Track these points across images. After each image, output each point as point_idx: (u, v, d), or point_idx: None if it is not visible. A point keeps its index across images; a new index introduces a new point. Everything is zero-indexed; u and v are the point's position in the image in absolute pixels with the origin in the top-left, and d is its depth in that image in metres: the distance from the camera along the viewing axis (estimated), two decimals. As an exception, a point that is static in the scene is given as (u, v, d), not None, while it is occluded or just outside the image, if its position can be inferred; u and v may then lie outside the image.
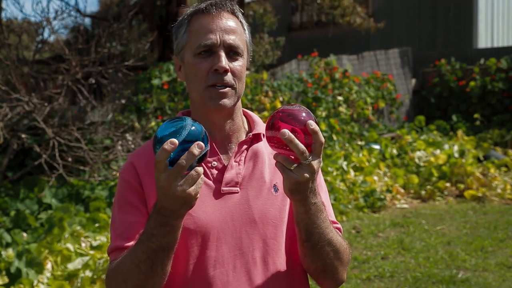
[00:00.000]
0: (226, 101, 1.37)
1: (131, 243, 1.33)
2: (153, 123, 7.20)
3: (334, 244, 1.38)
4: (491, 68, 11.69)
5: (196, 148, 1.16)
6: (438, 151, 8.54)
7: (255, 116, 1.53)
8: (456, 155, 8.48)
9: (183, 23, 1.42)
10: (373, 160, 8.27)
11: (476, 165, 8.03)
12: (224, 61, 1.36)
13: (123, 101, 7.57)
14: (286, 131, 1.21)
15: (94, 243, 4.47)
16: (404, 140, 9.38)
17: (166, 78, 8.07)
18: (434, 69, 12.51)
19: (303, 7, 15.60)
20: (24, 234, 4.76)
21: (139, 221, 1.36)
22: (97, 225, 4.87)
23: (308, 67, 10.64)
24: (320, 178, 1.52)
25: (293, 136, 1.21)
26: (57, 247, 4.18)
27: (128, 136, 6.60)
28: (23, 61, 6.89)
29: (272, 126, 1.25)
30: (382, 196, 6.97)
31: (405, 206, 7.11)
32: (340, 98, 10.19)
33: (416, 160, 8.29)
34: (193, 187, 1.18)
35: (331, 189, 6.73)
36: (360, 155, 8.45)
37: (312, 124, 1.23)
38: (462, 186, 7.49)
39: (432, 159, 8.10)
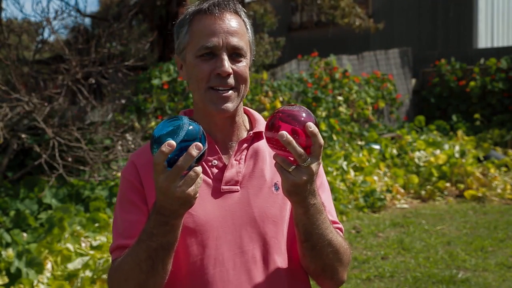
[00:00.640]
0: (229, 105, 1.37)
1: (132, 241, 1.33)
2: (153, 123, 7.20)
3: (334, 245, 1.36)
4: (491, 68, 11.69)
5: (194, 149, 1.16)
6: (438, 151, 8.54)
7: (256, 114, 1.52)
8: (456, 155, 8.48)
9: (185, 22, 1.40)
10: (373, 160, 8.27)
11: (476, 165, 8.03)
12: (227, 65, 1.34)
13: (123, 101, 7.57)
14: (285, 133, 1.20)
15: (94, 243, 4.47)
16: (404, 140, 9.38)
17: (166, 78, 8.07)
18: (434, 69, 12.51)
19: (303, 7, 15.60)
20: (24, 234, 4.76)
21: (140, 219, 1.36)
22: (97, 225, 4.87)
23: (308, 67, 10.64)
24: (322, 178, 1.51)
25: (291, 138, 1.20)
26: (57, 247, 4.18)
27: (128, 136, 6.60)
28: (23, 61, 6.89)
29: (271, 126, 1.24)
30: (382, 196, 6.97)
31: (405, 206, 7.11)
32: (340, 98, 10.19)
33: (416, 160, 8.29)
34: (192, 187, 1.18)
35: (331, 189, 6.73)
36: (360, 155, 8.45)
37: (311, 126, 1.21)
38: (462, 186, 7.49)
39: (432, 159, 8.10)
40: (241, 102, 1.44)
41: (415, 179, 7.63)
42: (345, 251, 1.41)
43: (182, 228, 1.30)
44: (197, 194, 1.21)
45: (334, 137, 9.01)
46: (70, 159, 6.20)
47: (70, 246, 4.28)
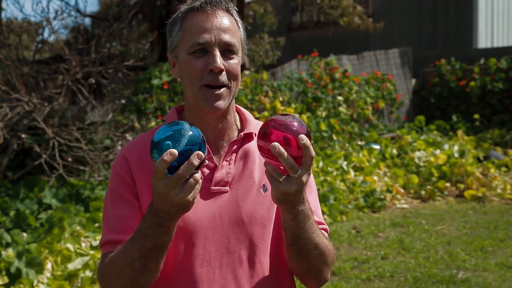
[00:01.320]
0: (221, 103, 1.37)
1: (123, 236, 1.34)
2: (153, 123, 7.20)
3: (320, 248, 1.39)
4: (491, 68, 11.69)
5: (196, 159, 1.17)
6: (438, 151, 8.54)
7: (247, 113, 1.53)
8: (456, 155, 8.48)
9: (177, 20, 1.42)
10: (373, 160, 8.27)
11: (476, 165, 8.03)
12: (219, 61, 1.35)
13: (123, 101, 7.57)
14: (277, 145, 1.20)
15: (94, 243, 4.47)
16: (404, 140, 9.38)
17: (166, 78, 8.07)
18: (434, 69, 12.51)
19: (303, 7, 15.61)
20: (24, 234, 4.76)
21: (131, 214, 1.37)
22: (97, 225, 4.87)
23: (308, 67, 10.64)
24: (310, 179, 1.52)
25: (283, 150, 1.20)
26: (57, 247, 4.18)
27: (128, 136, 6.60)
28: (23, 61, 6.89)
29: (264, 135, 1.24)
30: (382, 196, 6.97)
31: (405, 206, 7.11)
32: (340, 98, 10.19)
33: (416, 160, 8.29)
34: (191, 194, 1.20)
35: (331, 189, 6.73)
36: (360, 155, 8.45)
37: (303, 138, 1.21)
38: (462, 186, 7.49)
39: (432, 159, 8.10)
40: (233, 100, 1.44)
41: (415, 179, 7.63)
42: (329, 253, 1.43)
43: None
44: (195, 200, 1.22)
45: (334, 137, 9.01)
46: (70, 159, 6.20)
47: (70, 246, 4.28)
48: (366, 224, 6.21)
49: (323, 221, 1.52)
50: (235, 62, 1.39)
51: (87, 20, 13.24)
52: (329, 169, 7.42)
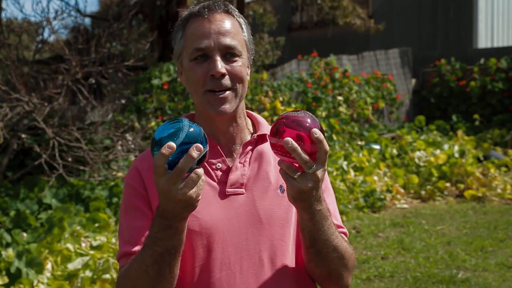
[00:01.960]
0: (227, 107, 1.36)
1: (139, 248, 1.32)
2: (153, 123, 7.20)
3: (339, 250, 1.35)
4: (491, 68, 11.69)
5: (195, 151, 1.14)
6: (438, 151, 8.54)
7: (259, 117, 1.52)
8: (456, 155, 8.48)
9: (179, 27, 1.41)
10: (373, 160, 8.27)
11: (476, 165, 8.03)
12: (219, 66, 1.34)
13: (123, 101, 7.57)
14: (290, 140, 1.18)
15: (94, 243, 4.47)
16: (404, 140, 9.38)
17: (166, 78, 8.07)
18: (434, 69, 12.51)
19: (303, 7, 15.61)
20: (24, 234, 4.76)
21: (145, 225, 1.35)
22: (97, 225, 4.87)
23: (308, 67, 10.64)
24: (327, 182, 1.50)
25: (296, 145, 1.18)
26: (57, 247, 4.18)
27: (128, 136, 6.60)
28: (23, 61, 6.89)
29: (276, 132, 1.22)
30: (382, 196, 6.97)
31: (405, 206, 7.11)
32: (340, 98, 10.20)
33: (416, 160, 8.29)
34: (193, 190, 1.17)
35: (331, 189, 6.73)
36: (360, 155, 8.45)
37: (317, 132, 1.19)
38: (462, 186, 7.49)
39: (432, 159, 8.10)
40: (241, 103, 1.43)
41: (415, 179, 7.63)
42: (350, 256, 1.40)
43: (187, 231, 1.29)
44: (200, 197, 1.19)
45: (334, 137, 9.01)
46: (70, 159, 6.20)
47: (70, 246, 4.28)
48: (366, 224, 6.21)
49: (342, 225, 1.49)
50: (239, 65, 1.37)
51: (87, 20, 13.25)
52: (329, 169, 7.42)
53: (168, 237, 1.22)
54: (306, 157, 1.19)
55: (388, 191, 7.28)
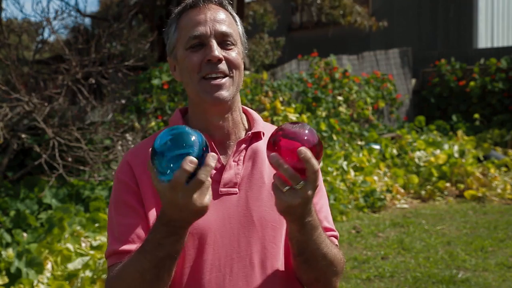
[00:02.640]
0: (224, 93, 1.33)
1: (130, 246, 1.29)
2: (153, 123, 7.20)
3: (329, 258, 1.33)
4: (491, 68, 11.69)
5: (212, 160, 1.10)
6: (438, 151, 8.54)
7: (254, 113, 1.48)
8: (456, 155, 8.48)
9: (172, 22, 1.40)
10: (373, 160, 8.27)
11: (476, 165, 8.03)
12: (216, 50, 1.32)
13: (123, 101, 7.56)
14: (275, 156, 1.16)
15: (94, 243, 4.47)
16: (404, 140, 9.38)
17: (166, 78, 8.08)
18: (434, 69, 12.51)
19: (303, 7, 15.61)
20: (24, 234, 4.76)
21: (136, 222, 1.32)
22: (97, 225, 4.87)
23: (308, 67, 10.64)
24: (320, 183, 1.46)
25: (281, 161, 1.15)
26: (57, 247, 4.18)
27: (128, 136, 6.60)
28: (23, 61, 6.89)
29: (273, 144, 1.18)
30: (382, 196, 6.97)
31: (405, 206, 7.11)
32: (340, 98, 10.19)
33: (416, 160, 8.29)
34: (207, 196, 1.14)
35: (331, 189, 6.73)
36: (360, 155, 8.45)
37: (302, 152, 1.14)
38: (462, 186, 7.49)
39: (432, 159, 8.10)
40: (237, 96, 1.40)
41: (415, 179, 7.63)
42: (339, 262, 1.38)
43: None
44: (207, 202, 1.15)
45: (334, 137, 9.01)
46: (70, 159, 6.19)
47: (70, 246, 4.28)
48: (366, 224, 6.21)
49: (334, 227, 1.47)
50: (235, 52, 1.36)
51: (87, 20, 13.25)
52: (329, 169, 7.42)
53: (173, 243, 1.19)
54: (292, 172, 1.15)
55: (388, 191, 7.28)
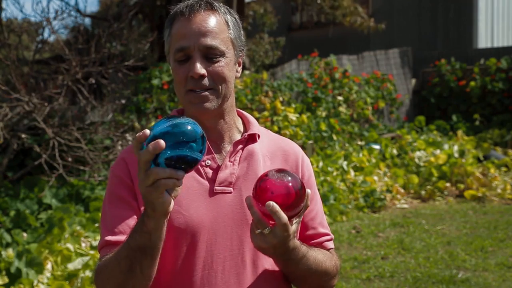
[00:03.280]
0: (208, 105, 1.35)
1: (121, 237, 1.30)
2: (153, 123, 7.16)
3: (320, 272, 1.39)
4: (491, 68, 11.69)
5: (155, 145, 1.07)
6: (438, 151, 8.54)
7: (250, 117, 1.51)
8: (456, 155, 8.48)
9: (167, 26, 1.41)
10: (373, 160, 8.27)
11: (476, 165, 8.03)
12: (198, 67, 1.33)
13: (123, 101, 7.56)
14: (248, 198, 1.23)
15: (94, 243, 4.47)
16: (404, 140, 9.38)
17: (166, 78, 8.08)
18: (434, 69, 12.51)
19: (303, 7, 15.61)
20: (24, 234, 4.76)
21: (129, 215, 1.33)
22: (97, 225, 4.87)
23: (308, 67, 10.64)
24: (314, 187, 1.50)
25: (253, 204, 1.22)
26: (57, 247, 4.18)
27: (128, 136, 6.60)
28: (23, 61, 6.89)
29: (254, 187, 1.25)
30: (382, 196, 6.97)
31: (405, 206, 7.11)
32: (340, 98, 10.19)
33: (416, 160, 8.29)
34: (164, 195, 1.12)
35: (331, 189, 6.73)
36: (360, 155, 8.45)
37: (270, 205, 1.19)
38: (462, 186, 7.49)
39: (432, 159, 8.10)
40: (231, 100, 1.42)
41: (415, 179, 7.63)
42: (332, 269, 1.43)
43: (172, 228, 1.29)
44: (170, 204, 1.14)
45: (334, 137, 9.01)
46: (70, 159, 6.19)
47: (70, 246, 4.28)
48: (366, 224, 6.21)
49: (329, 230, 1.50)
50: (221, 65, 1.35)
51: (87, 20, 13.24)
52: (329, 169, 7.42)
53: (140, 233, 1.19)
54: (259, 217, 1.22)
55: (388, 191, 7.28)
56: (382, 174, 7.84)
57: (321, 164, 7.53)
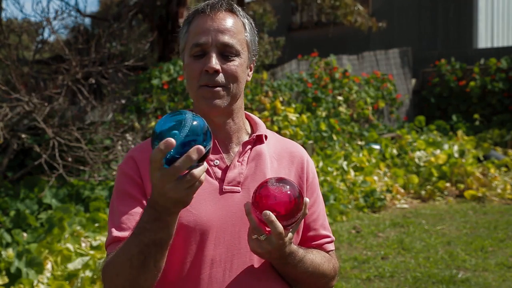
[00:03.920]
0: (219, 102, 1.38)
1: (129, 233, 1.30)
2: (153, 123, 7.20)
3: (317, 274, 1.42)
4: (491, 68, 11.69)
5: (195, 153, 1.10)
6: (438, 151, 8.54)
7: (257, 119, 1.54)
8: (456, 155, 8.48)
9: (185, 23, 1.44)
10: (373, 160, 8.27)
11: (476, 165, 8.02)
12: (213, 62, 1.36)
13: (123, 101, 7.57)
14: (247, 204, 1.27)
15: (94, 243, 4.47)
16: (404, 140, 9.38)
17: (166, 78, 8.08)
18: (434, 69, 12.51)
19: (303, 7, 15.61)
20: (24, 234, 4.76)
21: (138, 212, 1.33)
22: (97, 225, 4.87)
23: (308, 67, 10.64)
24: (316, 191, 1.52)
25: (251, 210, 1.26)
26: (57, 247, 4.18)
27: (128, 136, 6.60)
28: (23, 61, 6.89)
29: (253, 194, 1.29)
30: (382, 196, 6.97)
31: (405, 206, 7.11)
32: (340, 98, 10.19)
33: (416, 160, 8.29)
34: (186, 190, 1.14)
35: (331, 189, 6.73)
36: (360, 155, 8.45)
37: (266, 214, 1.23)
38: (462, 186, 7.49)
39: (432, 159, 8.10)
40: (240, 102, 1.45)
41: (415, 179, 7.63)
42: (329, 272, 1.46)
43: (181, 225, 1.30)
44: (192, 197, 1.17)
45: (334, 137, 9.01)
46: (70, 159, 6.19)
47: (70, 246, 4.28)
48: (366, 224, 6.21)
49: (330, 232, 1.53)
50: (235, 64, 1.39)
51: (87, 20, 13.25)
52: (329, 169, 7.42)
53: (157, 229, 1.19)
54: (255, 224, 1.26)
55: (388, 191, 7.28)
56: (382, 174, 7.84)
57: (321, 164, 7.54)
